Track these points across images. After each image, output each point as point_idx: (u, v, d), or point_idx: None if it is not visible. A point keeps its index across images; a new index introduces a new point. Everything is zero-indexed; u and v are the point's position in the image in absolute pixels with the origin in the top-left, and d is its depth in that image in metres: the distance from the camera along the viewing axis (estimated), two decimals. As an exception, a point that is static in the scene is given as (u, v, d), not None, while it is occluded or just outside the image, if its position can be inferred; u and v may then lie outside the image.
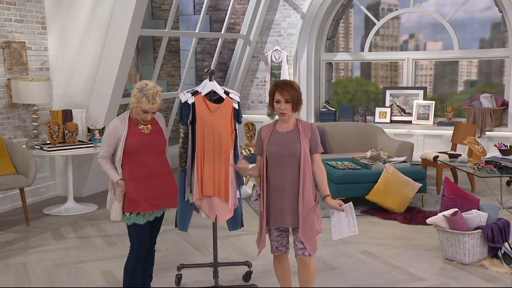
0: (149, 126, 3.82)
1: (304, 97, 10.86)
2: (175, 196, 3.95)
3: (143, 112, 3.71)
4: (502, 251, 4.92)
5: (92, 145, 6.85)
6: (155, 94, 3.67)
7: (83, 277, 4.76)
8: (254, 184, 7.31)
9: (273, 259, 3.88)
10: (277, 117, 3.73)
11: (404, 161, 7.04)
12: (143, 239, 3.84)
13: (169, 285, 4.52)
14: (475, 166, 5.57)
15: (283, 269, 3.87)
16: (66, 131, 6.79)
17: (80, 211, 6.79)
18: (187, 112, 3.98)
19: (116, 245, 5.54)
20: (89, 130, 7.05)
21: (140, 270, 3.87)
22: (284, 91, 3.59)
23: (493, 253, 4.97)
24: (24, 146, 6.74)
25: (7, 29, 6.81)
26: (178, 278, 4.52)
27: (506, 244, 4.95)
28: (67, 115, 6.97)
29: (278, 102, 3.61)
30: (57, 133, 6.73)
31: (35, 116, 6.93)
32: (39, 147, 6.69)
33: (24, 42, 7.04)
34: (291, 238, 3.79)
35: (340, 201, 3.73)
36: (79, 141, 6.92)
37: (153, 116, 3.79)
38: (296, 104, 3.62)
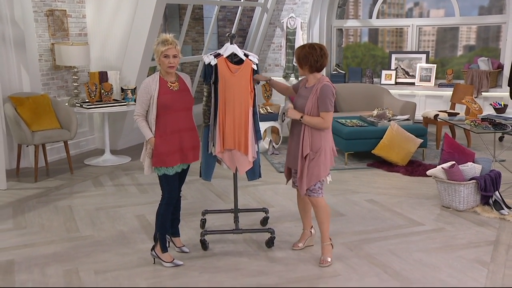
0: (177, 84, 3.78)
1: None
2: (198, 150, 3.95)
3: (164, 57, 3.65)
4: (493, 199, 4.94)
5: (125, 103, 6.86)
6: (165, 37, 3.66)
7: (120, 220, 4.83)
8: (270, 140, 7.33)
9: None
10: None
11: (407, 119, 6.97)
12: (173, 188, 3.85)
13: (195, 228, 4.58)
14: (472, 123, 5.48)
15: (303, 203, 4.08)
16: (102, 91, 6.80)
17: (116, 162, 6.86)
18: (210, 73, 3.93)
19: (148, 193, 5.60)
20: (122, 90, 7.05)
21: (170, 215, 3.91)
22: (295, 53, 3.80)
23: (485, 200, 4.97)
24: (66, 104, 6.76)
25: (50, -2, 6.78)
26: (203, 222, 4.57)
27: (496, 192, 4.96)
28: (103, 76, 6.96)
29: None
30: (94, 93, 6.75)
31: (75, 77, 6.93)
32: (79, 105, 6.72)
33: (65, 10, 6.99)
34: None
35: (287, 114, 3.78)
36: (114, 99, 6.93)
37: (176, 65, 3.72)
38: (300, 63, 3.75)
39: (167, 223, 3.90)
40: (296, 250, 4.10)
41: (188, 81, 3.89)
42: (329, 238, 3.91)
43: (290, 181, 4.08)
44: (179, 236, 4.15)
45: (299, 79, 3.99)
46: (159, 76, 3.74)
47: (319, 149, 3.72)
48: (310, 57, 3.68)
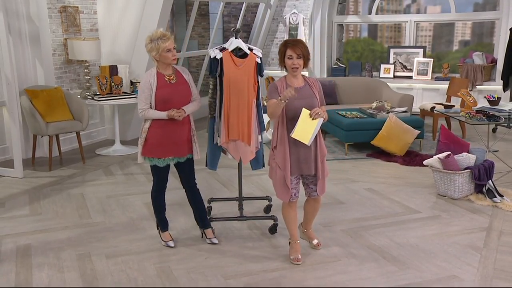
0: (173, 76, 3.71)
1: (317, 55, 10.62)
2: (189, 144, 3.82)
3: (167, 51, 3.60)
4: (486, 188, 4.92)
5: (134, 95, 6.84)
6: (162, 33, 3.61)
7: (129, 207, 4.84)
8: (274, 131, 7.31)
9: (285, 205, 3.65)
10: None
11: (405, 111, 6.95)
12: (161, 178, 3.87)
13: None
14: (467, 115, 5.46)
15: (295, 214, 3.69)
16: (113, 84, 6.79)
17: (125, 152, 6.86)
18: (215, 66, 3.91)
19: (157, 181, 5.60)
20: (131, 83, 7.04)
21: (161, 199, 3.95)
22: (296, 48, 3.38)
23: (478, 189, 4.96)
24: (78, 96, 6.76)
25: (62, -5, 6.77)
26: (209, 210, 4.56)
27: (490, 181, 4.95)
28: (113, 70, 6.94)
29: (290, 58, 3.39)
30: (105, 86, 6.74)
31: (87, 70, 6.92)
32: (90, 97, 6.71)
33: (78, 7, 6.97)
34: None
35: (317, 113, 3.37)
36: (123, 92, 6.92)
37: (176, 57, 3.67)
38: (306, 59, 3.42)
39: (158, 204, 3.96)
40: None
41: (185, 74, 3.79)
42: None
43: (294, 195, 3.60)
44: (209, 227, 4.04)
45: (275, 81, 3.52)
46: (156, 71, 3.70)
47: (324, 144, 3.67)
48: (309, 53, 3.46)
